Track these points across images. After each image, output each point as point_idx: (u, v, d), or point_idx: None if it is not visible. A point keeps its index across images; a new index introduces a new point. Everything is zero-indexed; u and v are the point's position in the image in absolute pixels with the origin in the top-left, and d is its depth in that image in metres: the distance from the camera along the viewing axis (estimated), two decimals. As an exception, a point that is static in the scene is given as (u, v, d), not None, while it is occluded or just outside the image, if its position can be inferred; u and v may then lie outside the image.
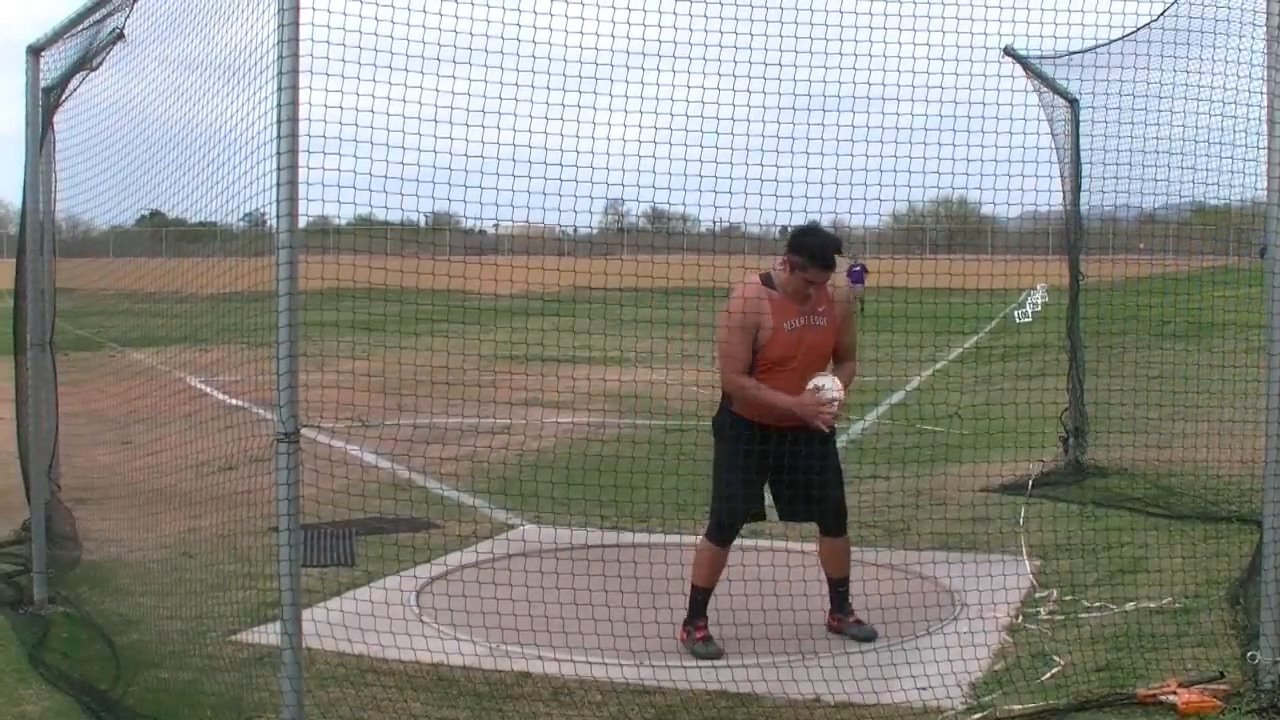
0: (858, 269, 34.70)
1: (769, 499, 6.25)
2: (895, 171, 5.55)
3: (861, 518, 8.11)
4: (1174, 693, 5.12)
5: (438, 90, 4.62)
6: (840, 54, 5.36)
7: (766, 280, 6.04)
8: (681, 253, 6.68)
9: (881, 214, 6.61)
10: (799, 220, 6.10)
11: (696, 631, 6.08)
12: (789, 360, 5.95)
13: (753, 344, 5.94)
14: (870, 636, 6.23)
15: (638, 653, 5.71)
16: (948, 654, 5.72)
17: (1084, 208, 10.02)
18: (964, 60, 5.49)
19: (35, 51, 6.91)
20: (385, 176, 4.58)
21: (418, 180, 4.82)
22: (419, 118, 4.64)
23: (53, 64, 7.04)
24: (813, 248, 5.90)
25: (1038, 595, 6.86)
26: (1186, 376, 9.14)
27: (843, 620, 6.32)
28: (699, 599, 6.12)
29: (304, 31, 4.33)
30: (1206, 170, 6.74)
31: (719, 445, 6.15)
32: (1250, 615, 5.81)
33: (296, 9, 4.30)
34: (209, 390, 9.70)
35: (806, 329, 6.00)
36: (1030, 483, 9.37)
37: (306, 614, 4.86)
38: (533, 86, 4.91)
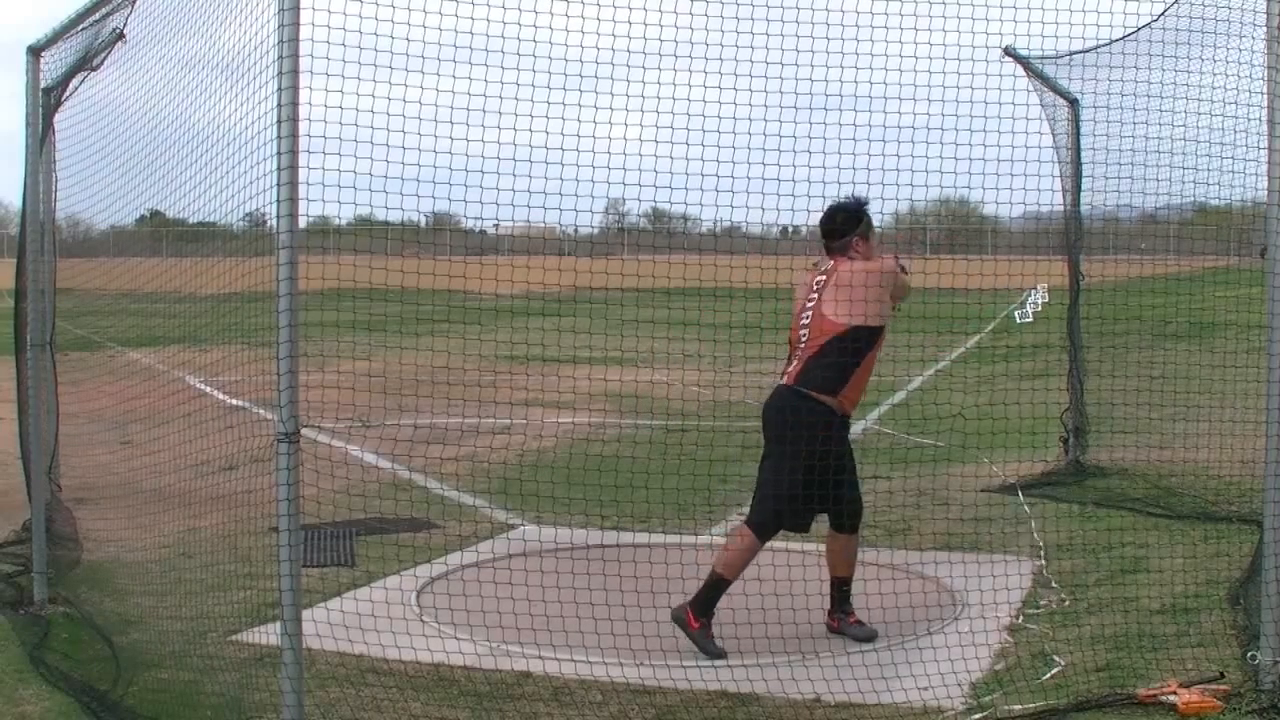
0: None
1: None
2: (896, 171, 5.55)
3: (863, 518, 8.11)
4: (1174, 693, 5.12)
5: (438, 90, 4.62)
6: (840, 54, 5.36)
7: None
8: (682, 253, 6.69)
9: (882, 214, 6.62)
10: (799, 220, 6.13)
11: (706, 629, 6.03)
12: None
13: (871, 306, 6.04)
14: (870, 637, 6.23)
15: (638, 653, 5.70)
16: (948, 654, 5.72)
17: (1084, 208, 10.02)
18: (964, 60, 5.50)
19: (35, 51, 6.91)
20: (385, 176, 4.59)
21: (418, 180, 4.82)
22: (419, 118, 4.64)
23: (53, 64, 7.04)
24: (856, 205, 6.16)
25: (1038, 595, 6.86)
26: (1187, 377, 9.14)
27: (842, 621, 6.32)
28: (717, 590, 5.98)
29: (304, 31, 4.33)
30: (1207, 171, 6.75)
31: (799, 445, 5.92)
32: (1250, 615, 5.81)
33: (296, 9, 4.30)
34: (209, 390, 9.70)
35: None
36: (1019, 489, 9.38)
37: (306, 614, 4.86)
38: (533, 86, 4.91)
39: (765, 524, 6.04)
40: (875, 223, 6.35)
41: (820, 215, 6.23)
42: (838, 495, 6.01)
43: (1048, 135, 9.85)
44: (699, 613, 6.02)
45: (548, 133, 5.04)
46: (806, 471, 5.94)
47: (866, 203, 6.17)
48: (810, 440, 5.91)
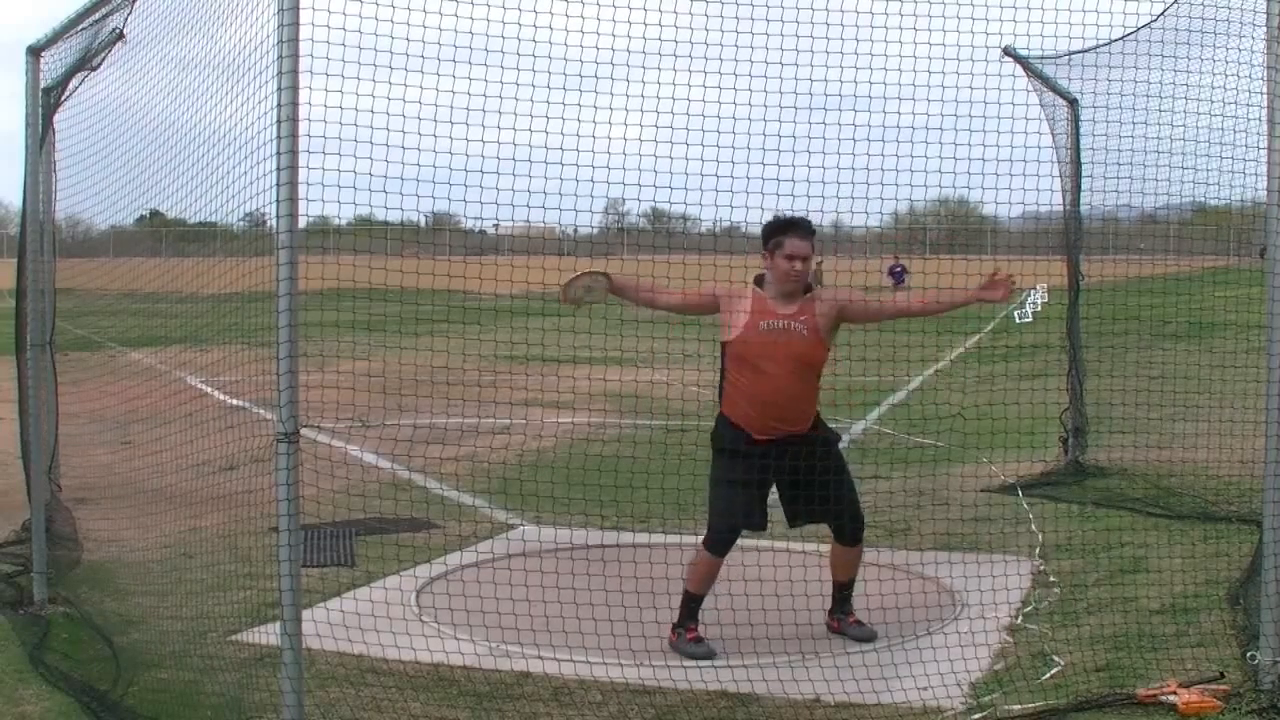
0: (899, 269, 34.89)
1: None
2: (896, 171, 5.55)
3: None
4: (1174, 693, 5.12)
5: (438, 90, 4.62)
6: (840, 54, 5.36)
7: (758, 281, 6.05)
8: (682, 252, 6.68)
9: (882, 214, 6.62)
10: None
11: (687, 633, 6.08)
12: (765, 363, 5.90)
13: (700, 311, 6.09)
14: (870, 637, 6.23)
15: (638, 653, 5.71)
16: (948, 654, 5.72)
17: (1084, 208, 10.02)
18: (964, 60, 5.49)
19: (35, 51, 6.91)
20: (385, 176, 4.59)
21: (418, 180, 4.83)
22: (419, 118, 4.64)
23: (53, 64, 7.04)
24: (775, 221, 5.96)
25: (1038, 595, 6.86)
26: (1187, 377, 9.14)
27: (842, 621, 6.32)
28: (691, 605, 6.13)
29: (304, 31, 4.33)
30: (1206, 170, 6.74)
31: (715, 458, 6.13)
32: (1250, 615, 5.82)
33: (296, 9, 4.30)
34: (209, 390, 9.70)
35: (784, 334, 5.91)
36: (1019, 489, 9.38)
37: (306, 614, 4.86)
38: (533, 86, 4.91)
39: (708, 539, 6.09)
40: (875, 224, 6.33)
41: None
42: (839, 499, 6.02)
43: (1047, 135, 9.86)
44: (676, 626, 6.12)
45: (548, 133, 5.04)
46: (725, 484, 6.04)
47: (785, 223, 5.93)
48: (715, 453, 6.13)
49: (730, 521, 6.02)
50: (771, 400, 5.93)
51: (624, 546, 7.64)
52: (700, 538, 6.17)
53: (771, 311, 5.95)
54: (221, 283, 5.72)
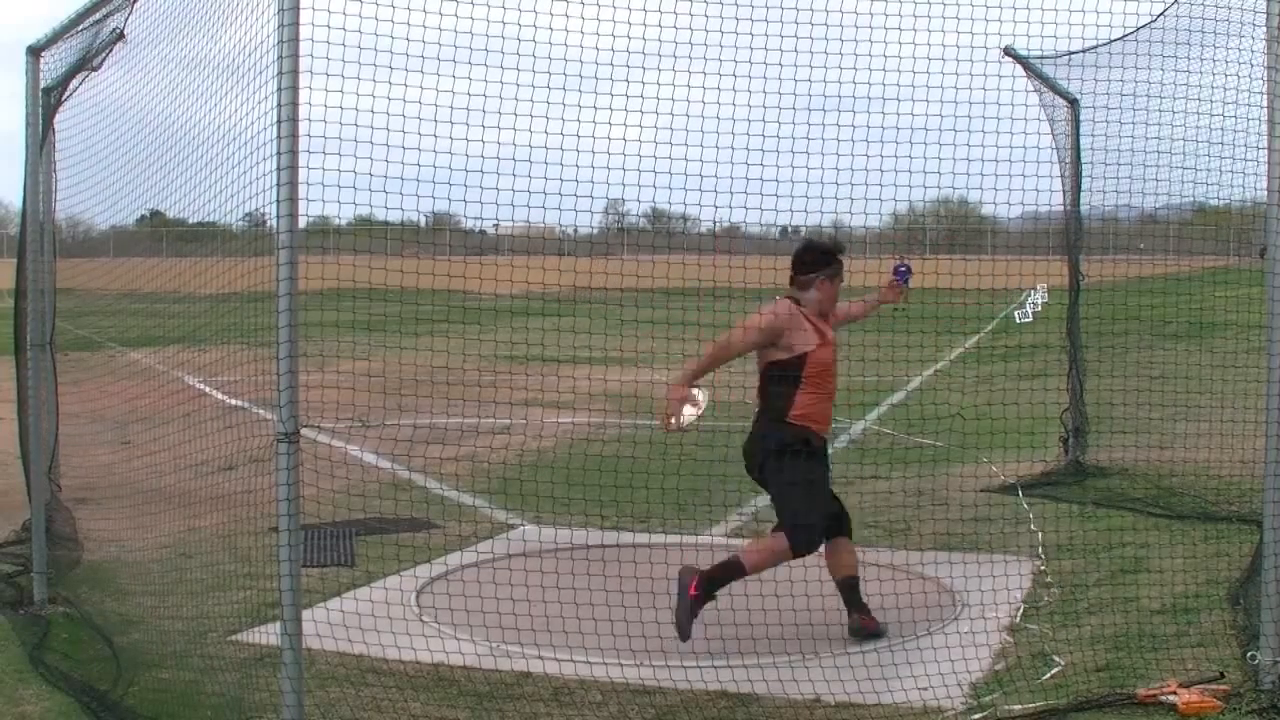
0: (904, 268, 34.90)
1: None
2: (895, 171, 5.56)
3: (862, 518, 8.11)
4: (1174, 693, 5.12)
5: (438, 90, 4.62)
6: (840, 54, 5.36)
7: (794, 302, 6.19)
8: (681, 253, 6.69)
9: (881, 214, 6.62)
10: (799, 220, 6.13)
11: (690, 589, 5.91)
12: (831, 372, 6.18)
13: (763, 345, 6.09)
14: (874, 637, 6.22)
15: (638, 653, 5.70)
16: (948, 654, 5.72)
17: (1084, 208, 10.02)
18: (964, 60, 5.50)
19: (35, 51, 6.91)
20: (385, 176, 4.59)
21: (418, 180, 4.83)
22: (419, 118, 4.64)
23: (53, 64, 7.04)
24: (825, 247, 6.23)
25: (1038, 595, 6.86)
26: (1187, 377, 9.14)
27: (865, 617, 6.29)
28: (727, 578, 5.96)
29: (304, 31, 4.33)
30: (1206, 170, 6.74)
31: (797, 463, 6.07)
32: (1250, 615, 5.82)
33: (296, 9, 4.30)
34: (209, 390, 9.70)
35: (836, 347, 6.27)
36: (1019, 489, 9.38)
37: (306, 614, 4.86)
38: (533, 86, 4.91)
39: (799, 543, 6.03)
40: (875, 224, 6.38)
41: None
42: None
43: (1048, 135, 9.86)
44: (703, 587, 5.92)
45: (548, 133, 5.05)
46: (816, 487, 6.21)
47: (838, 249, 6.29)
48: (794, 459, 6.21)
49: (824, 513, 6.13)
50: (832, 403, 6.24)
51: (624, 546, 7.64)
52: (763, 542, 6.14)
53: (827, 328, 6.21)
54: (221, 283, 5.72)
